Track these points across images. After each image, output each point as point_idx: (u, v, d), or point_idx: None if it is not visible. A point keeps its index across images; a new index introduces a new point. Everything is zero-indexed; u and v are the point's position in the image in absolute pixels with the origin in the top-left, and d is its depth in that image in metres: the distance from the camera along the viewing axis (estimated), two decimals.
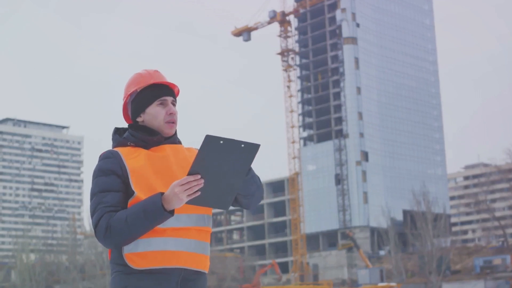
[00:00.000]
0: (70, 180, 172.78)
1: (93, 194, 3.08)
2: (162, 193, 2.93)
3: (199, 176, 2.84)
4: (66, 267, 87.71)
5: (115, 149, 3.17)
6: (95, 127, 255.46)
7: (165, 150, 3.17)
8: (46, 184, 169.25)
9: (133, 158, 3.11)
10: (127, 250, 3.01)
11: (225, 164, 2.84)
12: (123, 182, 3.06)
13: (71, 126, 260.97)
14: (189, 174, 2.85)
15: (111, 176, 3.06)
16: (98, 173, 3.09)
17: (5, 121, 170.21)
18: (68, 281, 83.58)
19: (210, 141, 2.77)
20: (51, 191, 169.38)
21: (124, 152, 3.13)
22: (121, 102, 3.34)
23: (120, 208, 3.02)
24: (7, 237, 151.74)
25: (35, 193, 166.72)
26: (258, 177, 3.21)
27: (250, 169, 3.14)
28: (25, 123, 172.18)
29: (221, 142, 2.78)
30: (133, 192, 3.05)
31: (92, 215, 3.05)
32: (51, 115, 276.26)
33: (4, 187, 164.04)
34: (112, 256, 3.10)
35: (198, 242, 3.10)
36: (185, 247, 3.05)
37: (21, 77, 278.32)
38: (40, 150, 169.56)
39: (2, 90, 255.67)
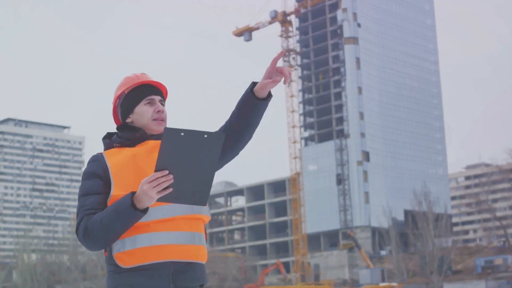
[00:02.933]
0: (71, 180, 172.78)
1: (78, 198, 3.15)
2: (134, 192, 2.95)
3: (166, 172, 2.80)
4: (67, 267, 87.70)
5: (102, 152, 3.23)
6: (96, 127, 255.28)
7: (148, 145, 3.19)
8: (47, 184, 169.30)
9: (116, 156, 3.16)
10: (116, 250, 3.06)
11: (191, 157, 2.78)
12: (105, 184, 3.11)
13: (72, 126, 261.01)
14: (156, 170, 2.81)
15: (93, 179, 3.12)
16: (83, 177, 3.18)
17: (6, 121, 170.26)
18: (70, 281, 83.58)
19: (170, 134, 2.73)
20: (52, 191, 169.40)
21: (108, 153, 3.19)
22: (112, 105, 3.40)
23: (100, 211, 3.06)
24: (8, 237, 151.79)
25: (36, 193, 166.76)
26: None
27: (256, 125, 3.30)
28: (26, 123, 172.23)
29: (182, 134, 2.73)
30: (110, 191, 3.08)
31: (76, 218, 3.12)
32: (52, 115, 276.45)
33: (6, 187, 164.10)
34: (106, 256, 3.15)
35: (186, 233, 3.09)
36: (172, 240, 3.05)
37: (21, 77, 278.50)
38: (41, 150, 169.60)
39: (3, 90, 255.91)
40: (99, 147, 3.36)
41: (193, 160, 2.78)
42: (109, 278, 3.12)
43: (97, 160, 3.15)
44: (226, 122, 3.30)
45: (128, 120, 3.28)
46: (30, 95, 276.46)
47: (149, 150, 3.16)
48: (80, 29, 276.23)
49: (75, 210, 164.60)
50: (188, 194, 2.86)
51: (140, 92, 3.27)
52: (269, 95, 3.25)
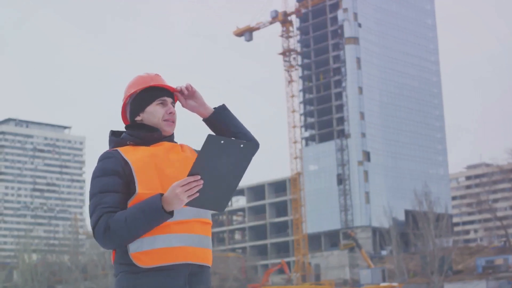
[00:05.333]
0: (72, 180, 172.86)
1: (92, 195, 3.08)
2: (162, 194, 2.94)
3: (199, 177, 2.83)
4: (68, 267, 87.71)
5: (115, 149, 3.19)
6: (96, 127, 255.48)
7: (164, 146, 3.20)
8: (48, 184, 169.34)
9: (134, 154, 3.13)
10: (133, 249, 3.02)
11: (224, 165, 2.83)
12: (124, 182, 3.07)
13: (73, 126, 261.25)
14: (190, 174, 2.84)
15: (111, 177, 3.06)
16: (98, 173, 3.09)
17: (7, 121, 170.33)
18: (70, 281, 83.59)
19: (211, 141, 2.77)
20: (53, 191, 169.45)
21: (124, 150, 3.15)
22: (121, 103, 3.38)
23: (119, 209, 3.03)
24: (9, 237, 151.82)
25: (37, 193, 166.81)
26: (250, 133, 3.34)
27: (242, 129, 3.30)
28: (27, 123, 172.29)
29: (222, 142, 2.77)
30: (134, 190, 3.05)
31: (91, 215, 3.06)
32: (53, 115, 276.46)
33: (6, 187, 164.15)
34: (116, 256, 3.11)
35: (201, 236, 3.12)
36: (189, 242, 3.07)
37: (22, 77, 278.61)
38: (42, 150, 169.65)
39: (3, 90, 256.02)
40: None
41: (224, 167, 2.83)
42: (122, 279, 3.06)
43: (114, 157, 3.10)
44: None
45: (138, 118, 3.28)
46: (30, 95, 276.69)
47: (167, 151, 3.17)
48: (80, 29, 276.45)
49: (76, 210, 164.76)
50: (210, 200, 2.89)
51: (154, 93, 3.28)
52: (217, 108, 3.40)
